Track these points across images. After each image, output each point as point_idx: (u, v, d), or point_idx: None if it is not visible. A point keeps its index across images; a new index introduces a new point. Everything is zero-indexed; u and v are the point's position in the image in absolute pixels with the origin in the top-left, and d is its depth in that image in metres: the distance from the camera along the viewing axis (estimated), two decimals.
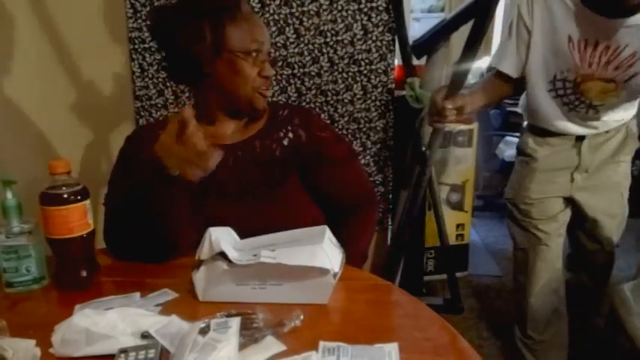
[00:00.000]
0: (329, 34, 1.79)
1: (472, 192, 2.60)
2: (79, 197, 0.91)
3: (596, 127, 1.51)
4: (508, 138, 3.27)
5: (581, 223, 1.66)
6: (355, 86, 1.84)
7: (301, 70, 1.82)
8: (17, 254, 0.92)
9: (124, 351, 0.69)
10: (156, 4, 1.73)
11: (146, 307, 0.82)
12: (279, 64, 1.79)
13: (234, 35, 1.04)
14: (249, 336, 0.73)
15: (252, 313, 0.77)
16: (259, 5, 1.74)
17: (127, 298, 0.88)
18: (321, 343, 0.72)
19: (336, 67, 1.82)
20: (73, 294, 0.92)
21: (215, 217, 0.94)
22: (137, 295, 0.89)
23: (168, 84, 1.81)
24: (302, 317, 0.77)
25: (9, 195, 0.92)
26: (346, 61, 1.82)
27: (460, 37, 1.65)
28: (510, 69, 1.48)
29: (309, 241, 0.86)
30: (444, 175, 2.49)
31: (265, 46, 1.08)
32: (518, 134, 1.85)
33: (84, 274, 0.95)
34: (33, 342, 0.72)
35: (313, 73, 1.82)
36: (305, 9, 1.76)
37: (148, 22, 1.69)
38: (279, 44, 1.78)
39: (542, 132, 1.57)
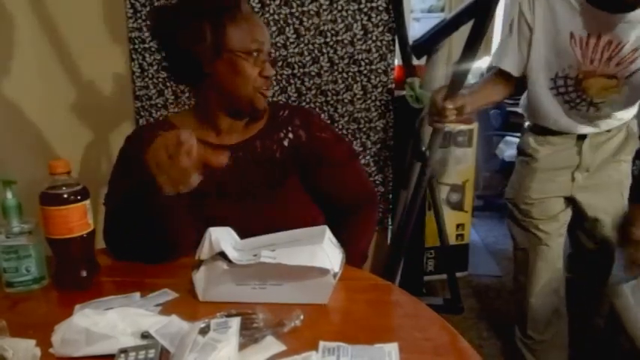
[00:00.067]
0: (329, 34, 1.79)
1: (472, 192, 2.60)
2: (79, 197, 0.91)
3: (597, 125, 1.51)
4: (508, 138, 3.27)
5: (581, 223, 1.66)
6: (355, 86, 1.84)
7: (301, 70, 1.82)
8: (17, 254, 0.92)
9: (124, 351, 0.69)
10: (156, 4, 1.73)
11: (146, 307, 0.82)
12: (279, 64, 1.79)
13: (234, 35, 1.04)
14: (249, 336, 0.73)
15: (252, 313, 0.77)
16: (259, 5, 1.74)
17: (127, 298, 0.88)
18: (321, 343, 0.72)
19: (336, 67, 1.82)
20: (73, 294, 0.92)
21: (215, 217, 0.94)
22: (137, 295, 0.89)
23: (168, 84, 1.81)
24: (302, 317, 0.77)
25: (9, 195, 0.92)
26: (346, 61, 1.82)
27: (460, 37, 1.65)
28: (512, 67, 1.48)
29: (309, 241, 0.86)
30: (444, 175, 2.49)
31: (266, 46, 1.08)
32: (518, 134, 1.85)
33: (84, 274, 0.95)
34: (33, 342, 0.72)
35: (313, 73, 1.82)
36: (305, 9, 1.76)
37: (148, 22, 1.69)
38: (279, 44, 1.78)
39: (543, 131, 1.57)
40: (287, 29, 1.77)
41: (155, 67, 1.79)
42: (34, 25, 1.68)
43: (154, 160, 0.85)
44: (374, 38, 1.80)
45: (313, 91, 1.84)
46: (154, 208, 0.96)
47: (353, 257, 1.01)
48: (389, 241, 2.06)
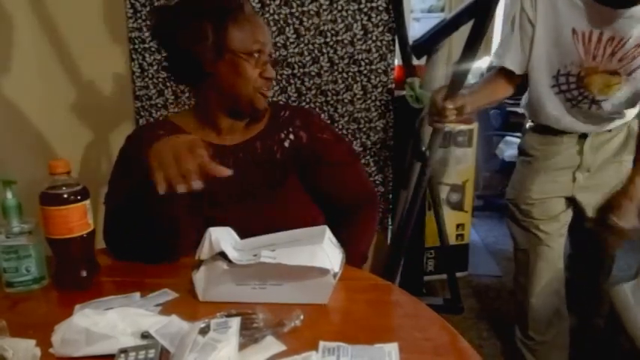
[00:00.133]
0: (329, 34, 1.79)
1: (472, 192, 2.60)
2: (79, 197, 0.91)
3: (599, 124, 1.50)
4: (508, 138, 3.27)
5: (581, 223, 1.66)
6: (355, 86, 1.84)
7: (301, 70, 1.82)
8: (17, 254, 0.92)
9: (124, 351, 0.69)
10: (156, 4, 1.73)
11: (146, 307, 0.82)
12: (279, 64, 1.79)
13: (236, 36, 1.04)
14: (249, 336, 0.73)
15: (252, 313, 0.77)
16: (259, 5, 1.74)
17: (127, 298, 0.88)
18: (321, 343, 0.72)
19: (336, 67, 1.82)
20: (73, 294, 0.92)
21: (215, 217, 0.94)
22: (137, 295, 0.89)
23: (168, 84, 1.81)
24: (302, 317, 0.77)
25: (9, 195, 0.92)
26: (346, 61, 1.82)
27: (460, 37, 1.65)
28: (514, 65, 1.47)
29: (309, 241, 0.86)
30: (444, 175, 2.49)
31: (267, 47, 1.08)
32: (518, 134, 1.85)
33: (84, 274, 0.95)
34: (33, 342, 0.72)
35: (313, 73, 1.82)
36: (305, 9, 1.76)
37: (149, 22, 1.69)
38: (279, 44, 1.78)
39: (545, 131, 1.57)
40: (287, 29, 1.77)
41: (155, 67, 1.79)
42: (34, 25, 1.68)
43: (158, 158, 0.85)
44: (374, 38, 1.80)
45: (313, 91, 1.84)
46: (154, 208, 0.96)
47: (353, 257, 1.01)
48: (389, 241, 2.06)
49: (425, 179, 1.85)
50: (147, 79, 1.80)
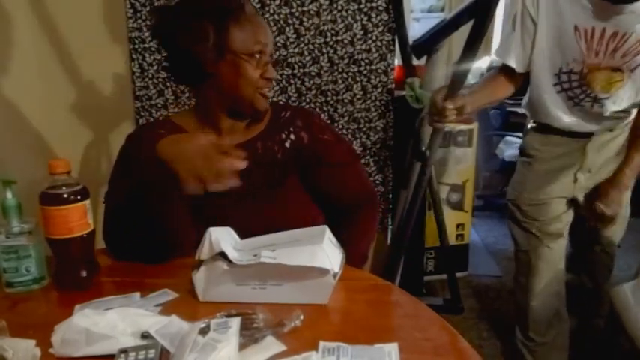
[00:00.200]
0: (329, 34, 1.79)
1: (472, 192, 2.60)
2: (79, 197, 0.91)
3: (601, 123, 1.50)
4: (508, 138, 3.28)
5: (582, 224, 1.66)
6: (355, 86, 1.84)
7: (301, 70, 1.81)
8: (17, 254, 0.92)
9: (124, 351, 0.69)
10: (156, 4, 1.73)
11: (146, 307, 0.82)
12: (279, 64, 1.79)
13: (237, 37, 1.04)
14: (249, 336, 0.73)
15: (252, 313, 0.77)
16: (259, 5, 1.74)
17: (127, 298, 0.88)
18: (321, 343, 0.72)
19: (336, 67, 1.82)
20: (73, 294, 0.92)
21: (215, 217, 0.94)
22: (137, 295, 0.89)
23: (168, 84, 1.81)
24: (302, 317, 0.77)
25: (9, 195, 0.92)
26: (346, 61, 1.82)
27: (460, 37, 1.65)
28: (516, 63, 1.47)
29: (309, 241, 0.86)
30: (444, 175, 2.49)
31: (268, 48, 1.08)
32: (518, 134, 1.85)
33: (84, 274, 0.95)
34: (33, 342, 0.72)
35: (313, 73, 1.82)
36: (305, 9, 1.76)
37: (149, 22, 1.69)
38: (279, 44, 1.78)
39: (546, 131, 1.56)
40: (287, 29, 1.77)
41: (155, 67, 1.79)
42: (34, 25, 1.68)
43: (187, 162, 0.88)
44: (374, 38, 1.80)
45: (313, 91, 1.84)
46: (154, 208, 0.96)
47: (353, 258, 1.01)
48: (389, 241, 2.06)
49: (425, 179, 1.85)
50: (147, 79, 1.80)
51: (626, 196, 1.59)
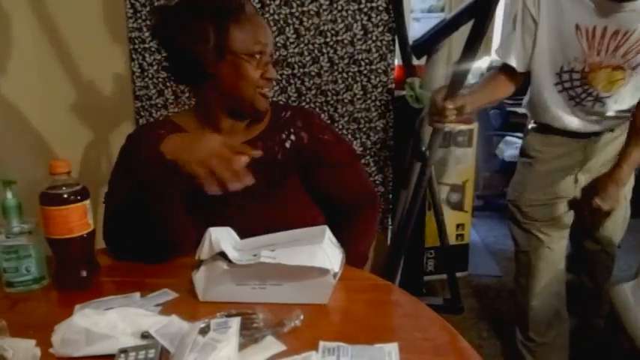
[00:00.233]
0: (329, 34, 1.79)
1: (472, 192, 2.60)
2: (79, 197, 0.91)
3: (602, 123, 1.50)
4: (508, 138, 3.28)
5: (582, 224, 1.66)
6: (355, 86, 1.84)
7: (301, 70, 1.81)
8: (17, 254, 0.92)
9: (124, 351, 0.69)
10: (156, 4, 1.73)
11: (146, 307, 0.82)
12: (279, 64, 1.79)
13: (237, 37, 1.04)
14: (249, 336, 0.73)
15: (252, 313, 0.77)
16: (259, 5, 1.74)
17: (127, 298, 0.88)
18: (321, 343, 0.72)
19: (336, 67, 1.82)
20: (73, 294, 0.92)
21: (215, 217, 0.94)
22: (137, 295, 0.89)
23: (168, 84, 1.81)
24: (302, 317, 0.77)
25: (9, 195, 0.92)
26: (346, 61, 1.82)
27: (460, 37, 1.65)
28: (517, 62, 1.47)
29: (309, 241, 0.86)
30: (444, 175, 2.49)
31: (269, 48, 1.08)
32: (518, 134, 1.85)
33: (84, 274, 0.95)
34: (33, 342, 0.72)
35: (313, 73, 1.82)
36: (305, 9, 1.76)
37: (149, 22, 1.69)
38: (279, 44, 1.78)
39: (547, 131, 1.56)
40: (287, 29, 1.77)
41: (155, 67, 1.79)
42: (34, 25, 1.68)
43: (202, 163, 0.88)
44: (374, 38, 1.80)
45: (313, 91, 1.84)
46: (154, 207, 0.96)
47: (353, 258, 1.01)
48: (389, 241, 2.06)
49: (425, 179, 1.85)
50: (147, 79, 1.80)
51: (626, 193, 1.59)
